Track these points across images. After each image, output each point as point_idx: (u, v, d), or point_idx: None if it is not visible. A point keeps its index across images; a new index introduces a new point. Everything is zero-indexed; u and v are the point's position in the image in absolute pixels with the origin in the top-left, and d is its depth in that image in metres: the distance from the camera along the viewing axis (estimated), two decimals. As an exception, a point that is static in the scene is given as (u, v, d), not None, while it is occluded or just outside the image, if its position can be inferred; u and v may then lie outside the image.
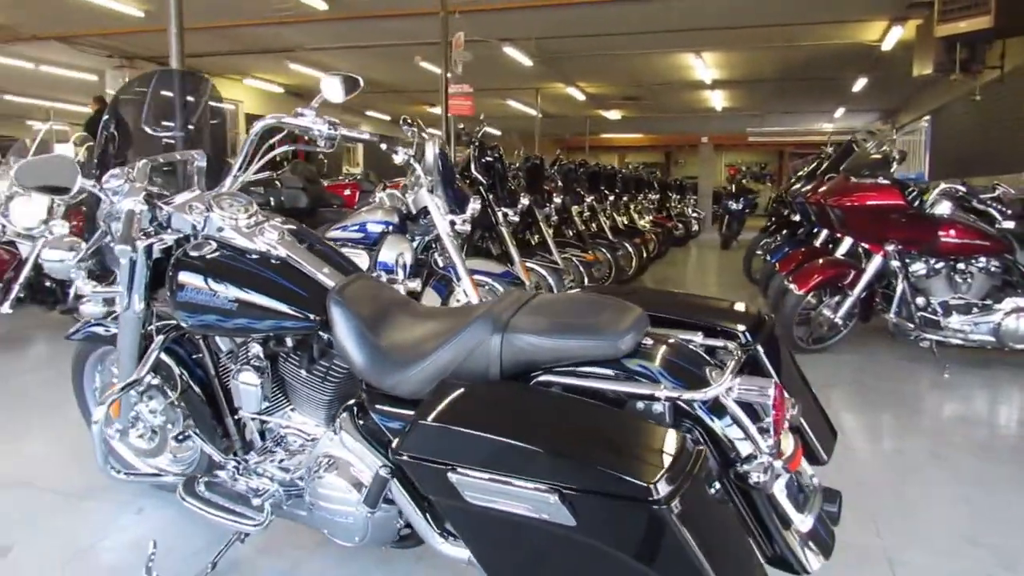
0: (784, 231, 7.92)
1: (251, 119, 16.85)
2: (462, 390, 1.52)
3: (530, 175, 6.57)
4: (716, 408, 1.52)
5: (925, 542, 2.40)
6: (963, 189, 4.55)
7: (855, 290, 4.72)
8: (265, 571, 2.21)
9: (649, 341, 1.59)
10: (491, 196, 5.45)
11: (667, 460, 1.30)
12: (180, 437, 2.22)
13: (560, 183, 7.76)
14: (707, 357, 1.63)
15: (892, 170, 4.76)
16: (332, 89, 2.27)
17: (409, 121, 4.37)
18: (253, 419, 2.10)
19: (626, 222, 10.09)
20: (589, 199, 8.24)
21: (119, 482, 2.40)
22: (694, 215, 16.79)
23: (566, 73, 14.89)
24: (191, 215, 2.04)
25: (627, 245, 8.60)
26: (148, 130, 2.11)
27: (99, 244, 2.17)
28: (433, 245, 4.49)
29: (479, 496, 1.40)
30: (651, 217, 11.74)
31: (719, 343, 1.66)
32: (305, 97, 18.36)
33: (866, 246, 4.82)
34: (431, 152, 4.30)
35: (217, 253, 1.95)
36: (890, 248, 4.56)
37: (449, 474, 1.41)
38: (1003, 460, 3.17)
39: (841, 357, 4.91)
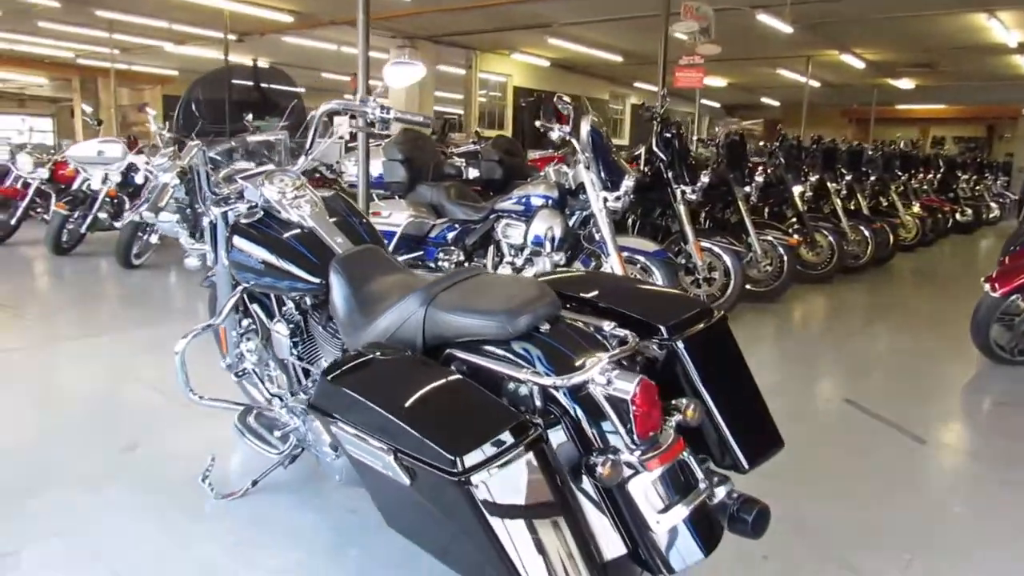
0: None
1: (519, 92, 17.87)
2: (362, 357, 1.69)
3: (731, 152, 6.28)
4: (589, 399, 1.52)
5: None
6: None
7: (1074, 297, 3.98)
8: (292, 497, 2.54)
9: (547, 326, 1.63)
10: (670, 173, 5.35)
11: (486, 437, 1.37)
12: (240, 373, 2.63)
13: (782, 160, 7.31)
14: (608, 345, 1.61)
15: None
16: (394, 77, 2.55)
17: (565, 99, 4.47)
18: (296, 364, 2.44)
19: (883, 204, 9.22)
20: (814, 178, 7.64)
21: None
22: (998, 199, 14.62)
23: (837, 39, 13.64)
24: (255, 188, 2.41)
25: (863, 230, 7.89)
26: (199, 116, 2.51)
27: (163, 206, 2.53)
28: (591, 220, 4.58)
29: (351, 448, 1.57)
30: (922, 200, 10.56)
31: (621, 333, 1.63)
32: (571, 70, 18.82)
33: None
34: (585, 129, 4.38)
35: (258, 221, 2.30)
36: (1122, 250, 3.77)
37: (332, 427, 1.60)
38: None
39: (1047, 375, 4.18)
